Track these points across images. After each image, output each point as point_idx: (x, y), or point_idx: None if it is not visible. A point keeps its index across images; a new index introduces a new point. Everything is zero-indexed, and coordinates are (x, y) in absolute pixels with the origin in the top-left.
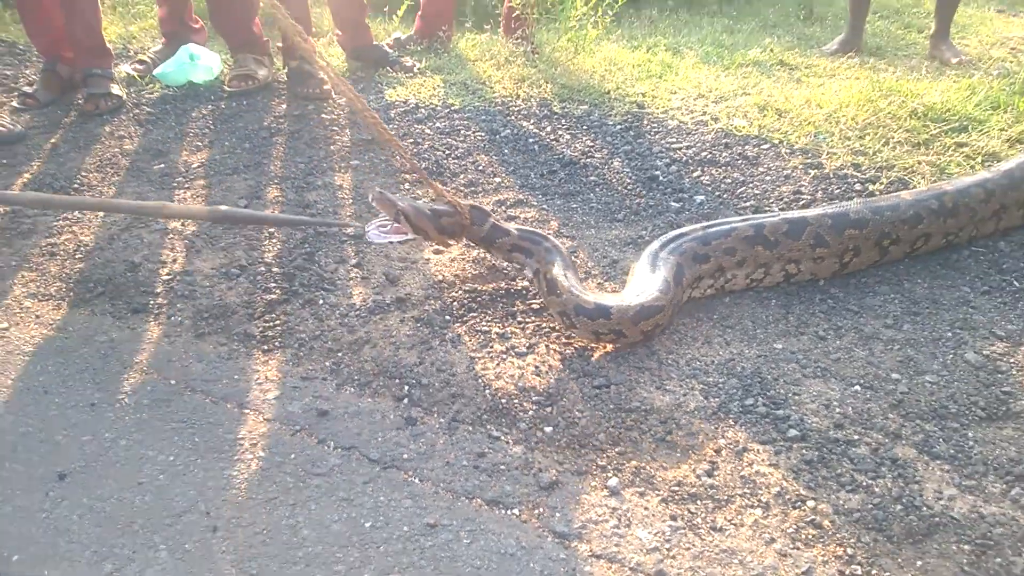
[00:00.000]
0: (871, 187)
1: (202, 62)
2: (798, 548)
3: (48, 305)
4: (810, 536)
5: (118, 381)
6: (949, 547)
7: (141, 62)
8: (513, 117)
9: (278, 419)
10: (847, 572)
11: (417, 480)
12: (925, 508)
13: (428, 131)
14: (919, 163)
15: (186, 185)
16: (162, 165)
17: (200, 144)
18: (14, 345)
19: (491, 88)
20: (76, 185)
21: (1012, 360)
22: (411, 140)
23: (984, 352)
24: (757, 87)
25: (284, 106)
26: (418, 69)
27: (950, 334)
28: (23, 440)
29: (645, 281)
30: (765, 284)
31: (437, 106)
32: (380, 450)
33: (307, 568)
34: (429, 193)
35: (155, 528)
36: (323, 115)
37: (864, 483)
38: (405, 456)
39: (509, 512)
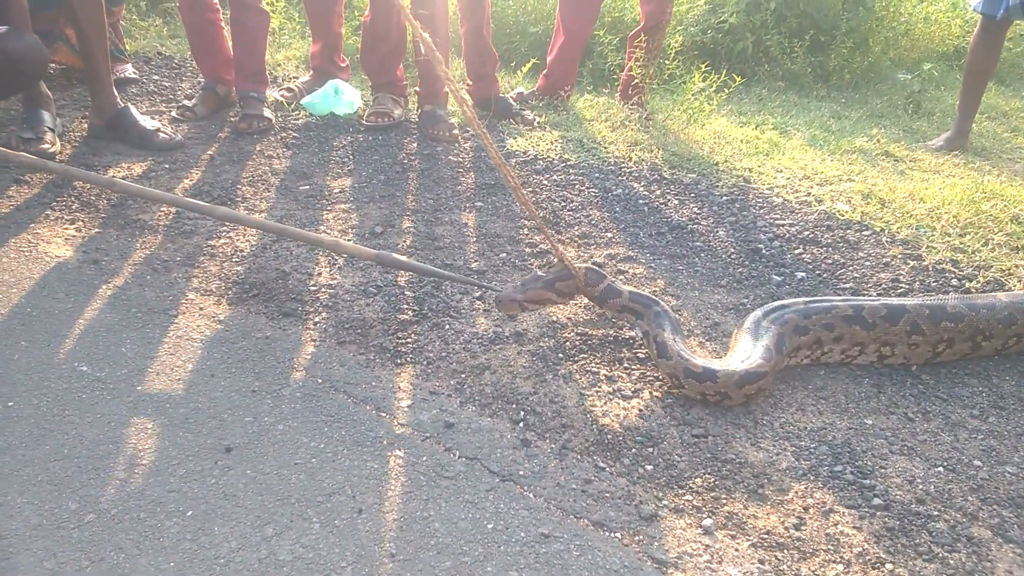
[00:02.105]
0: (968, 284)
1: (345, 97)
2: None
3: (210, 300)
4: None
5: (274, 373)
6: None
7: (289, 89)
8: (624, 178)
9: (410, 425)
10: None
11: (531, 495)
12: None
13: (546, 182)
14: (1017, 266)
15: (328, 207)
16: (307, 187)
17: (340, 171)
18: (183, 332)
19: (605, 148)
20: (232, 197)
21: None
22: (530, 189)
23: None
24: (861, 174)
25: (415, 145)
26: (538, 123)
27: None
28: (193, 414)
29: (749, 348)
30: (859, 362)
31: (554, 159)
32: (499, 464)
33: (438, 555)
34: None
35: (308, 503)
36: (450, 157)
37: (940, 555)
38: (521, 473)
39: (612, 534)
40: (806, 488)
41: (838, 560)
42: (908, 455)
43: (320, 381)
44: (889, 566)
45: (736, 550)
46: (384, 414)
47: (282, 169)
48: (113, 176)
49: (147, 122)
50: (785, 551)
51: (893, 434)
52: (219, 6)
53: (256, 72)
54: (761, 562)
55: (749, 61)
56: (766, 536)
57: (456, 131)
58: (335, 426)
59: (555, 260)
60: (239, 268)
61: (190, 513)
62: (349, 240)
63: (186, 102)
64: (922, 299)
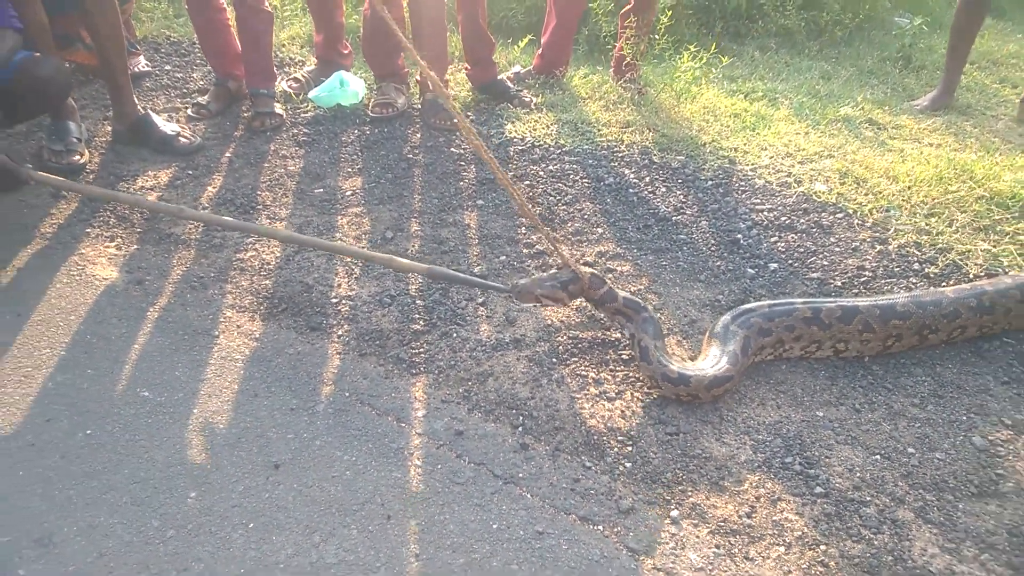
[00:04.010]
0: (928, 268)
1: (350, 87)
2: None
3: (245, 316)
4: (818, 572)
5: (308, 390)
6: None
7: (296, 80)
8: (617, 164)
9: (426, 434)
10: None
11: (529, 495)
12: (910, 562)
13: (542, 173)
14: (976, 249)
15: (342, 211)
16: (321, 190)
17: (351, 170)
18: (226, 352)
19: (599, 131)
20: (254, 204)
21: (1012, 447)
22: (527, 182)
23: (989, 437)
24: (842, 149)
25: (419, 135)
26: (535, 104)
27: (965, 418)
28: (244, 434)
29: (718, 353)
30: (816, 356)
31: (550, 146)
32: (502, 468)
33: (453, 554)
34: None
35: (346, 512)
36: (452, 148)
37: (867, 536)
38: (520, 475)
39: (595, 528)
40: (759, 479)
41: (781, 543)
42: (851, 445)
43: (348, 395)
44: (823, 547)
45: (697, 537)
46: (404, 424)
47: (296, 171)
48: (140, 190)
49: (167, 127)
50: (737, 536)
51: (840, 425)
52: (225, 5)
53: (264, 69)
54: (717, 547)
55: (743, 18)
56: (722, 523)
57: (456, 119)
58: (363, 439)
59: (556, 261)
60: (267, 282)
61: (251, 525)
62: (363, 246)
63: (200, 99)
64: (874, 299)
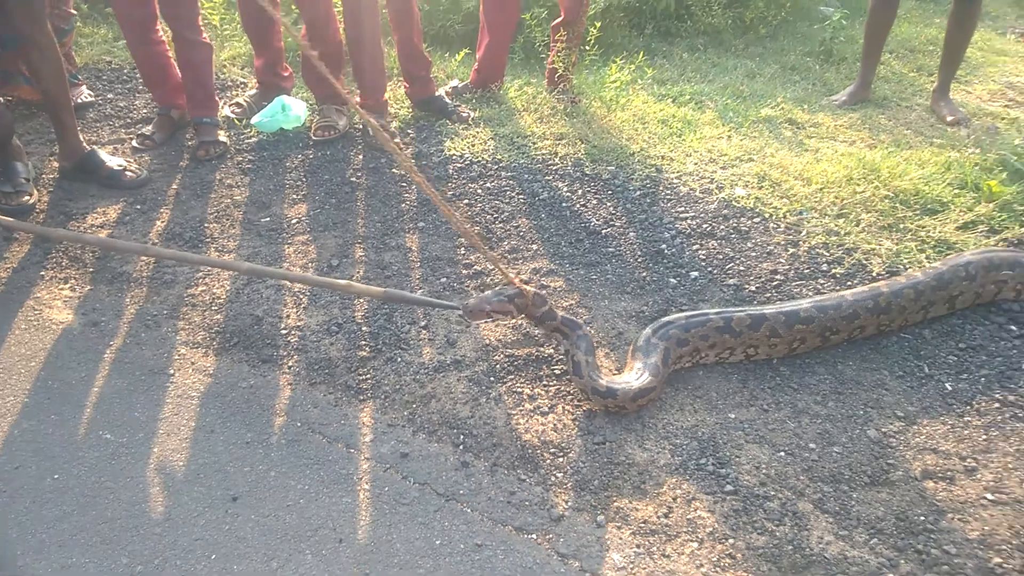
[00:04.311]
0: (835, 269)
1: (292, 112)
2: (717, 571)
3: (198, 352)
4: (727, 564)
5: (262, 422)
6: None
7: (238, 105)
8: (551, 177)
9: (374, 458)
10: None
11: (469, 510)
12: (808, 549)
13: (480, 191)
14: (879, 248)
15: (289, 240)
16: (267, 219)
17: (296, 197)
18: (181, 390)
19: (534, 144)
20: (202, 237)
21: (902, 438)
22: (466, 201)
23: (883, 429)
24: (762, 152)
25: (361, 157)
26: (472, 119)
27: (862, 412)
28: (203, 470)
29: (641, 366)
30: (730, 361)
31: (488, 163)
32: (445, 486)
33: (399, 570)
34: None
35: (301, 538)
36: (394, 169)
37: (770, 528)
38: (461, 492)
39: (529, 536)
40: (676, 481)
41: (694, 539)
42: (759, 443)
43: (299, 425)
44: (731, 541)
45: (620, 539)
46: (353, 450)
47: (242, 200)
48: (90, 228)
49: (113, 161)
50: (656, 535)
51: (750, 425)
52: (163, 38)
53: (206, 99)
54: (637, 547)
55: (672, 18)
56: (643, 524)
57: (398, 139)
58: (315, 467)
59: (495, 281)
60: (219, 316)
61: (214, 556)
62: (311, 273)
63: (144, 130)
64: (779, 306)
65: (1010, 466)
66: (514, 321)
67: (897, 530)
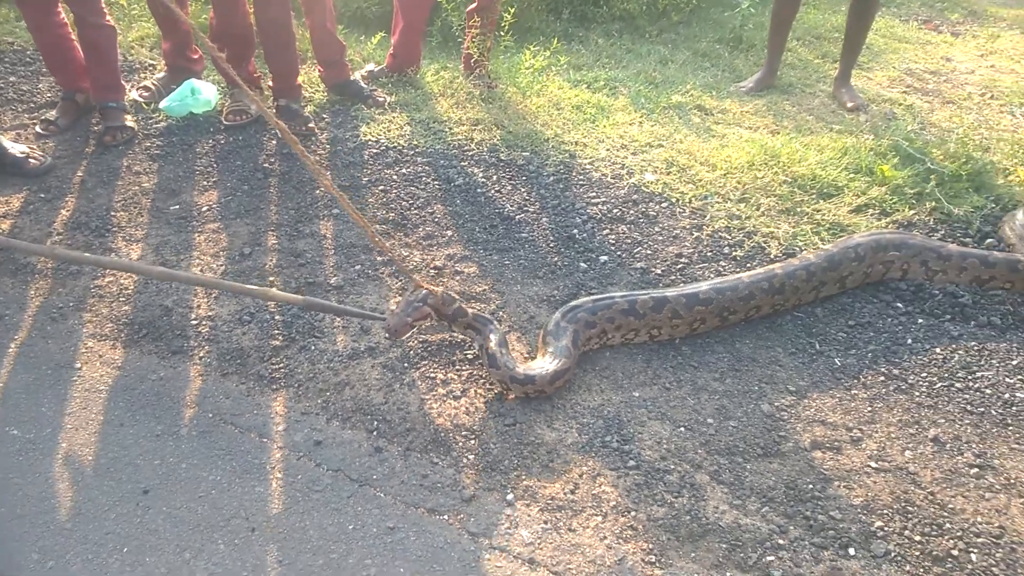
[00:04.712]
0: (735, 252)
1: (202, 95)
2: (620, 543)
3: (106, 345)
4: (629, 535)
5: (172, 414)
6: (713, 544)
7: (146, 89)
8: (467, 163)
9: (287, 447)
10: (646, 559)
11: (382, 495)
12: (704, 518)
13: (395, 177)
14: (778, 230)
15: (199, 229)
16: (177, 206)
17: (206, 184)
18: (90, 384)
19: (450, 129)
20: (109, 226)
21: (793, 411)
22: (381, 187)
23: (776, 404)
24: (671, 137)
25: (273, 142)
26: (388, 104)
27: (756, 387)
28: (112, 464)
29: (554, 349)
30: (635, 342)
31: (404, 147)
32: (358, 472)
33: (312, 556)
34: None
35: (214, 528)
36: (308, 153)
37: (670, 500)
38: (374, 476)
39: (441, 517)
40: (582, 458)
41: (599, 513)
42: (661, 420)
43: (211, 416)
44: (633, 513)
45: (528, 515)
46: (265, 439)
47: (151, 187)
48: (2, 212)
49: (16, 148)
50: (563, 511)
51: (652, 403)
52: (65, 20)
53: (112, 83)
54: (545, 522)
55: (588, 3)
56: (550, 501)
57: (312, 124)
58: (227, 458)
59: (412, 268)
60: (126, 308)
61: (126, 549)
62: (222, 264)
63: (48, 115)
64: (680, 288)
65: (893, 435)
66: (436, 324)
67: (787, 498)
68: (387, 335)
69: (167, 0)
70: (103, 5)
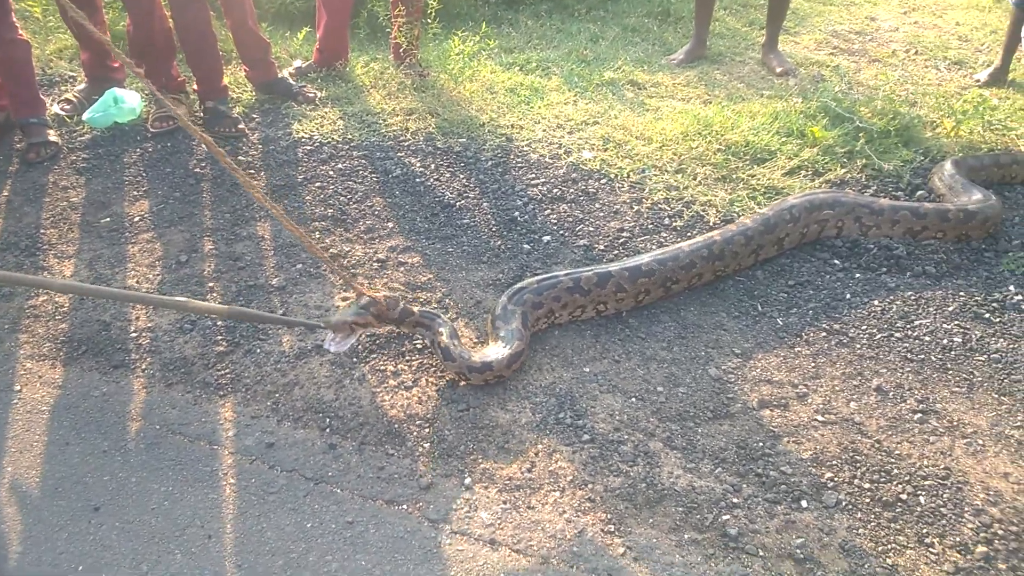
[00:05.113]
0: (676, 222)
1: (126, 104)
2: (579, 516)
3: (46, 365)
4: (587, 507)
5: (118, 430)
6: (670, 509)
7: (68, 101)
8: (403, 154)
9: (239, 452)
10: (605, 529)
11: (339, 490)
12: (660, 485)
13: (331, 172)
14: (715, 198)
15: (132, 240)
16: (108, 218)
17: (137, 194)
18: (31, 405)
19: (384, 121)
20: (39, 243)
21: (740, 373)
22: (318, 184)
23: (723, 367)
24: (606, 114)
25: (203, 147)
26: (319, 100)
27: (703, 353)
28: (60, 484)
29: (506, 332)
30: (583, 319)
31: (338, 142)
32: (313, 470)
33: (272, 557)
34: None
35: (168, 539)
36: (240, 156)
37: (624, 470)
38: (330, 473)
39: (400, 507)
40: (537, 436)
41: (557, 489)
42: (612, 392)
43: (158, 427)
44: (591, 485)
45: (487, 497)
46: (216, 446)
47: (79, 201)
48: None
49: None
50: (521, 490)
51: (603, 377)
52: None
53: (31, 98)
54: (504, 503)
55: None
56: (508, 481)
57: (242, 124)
58: (178, 468)
59: (353, 256)
60: (64, 325)
61: (80, 568)
62: (158, 274)
63: None
64: (622, 262)
65: (837, 388)
66: (378, 330)
67: (738, 458)
68: (327, 342)
69: (79, 18)
70: (14, 20)
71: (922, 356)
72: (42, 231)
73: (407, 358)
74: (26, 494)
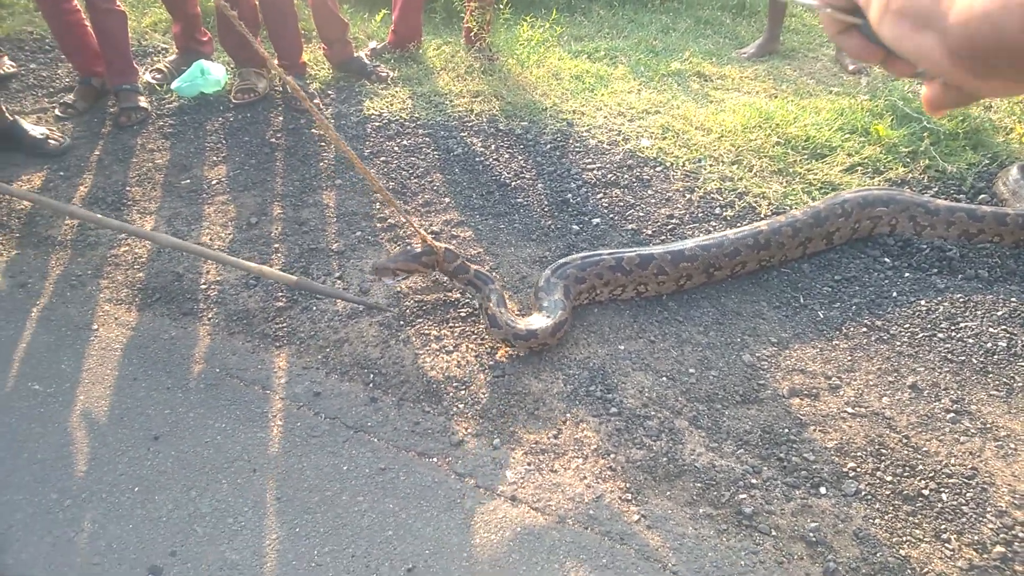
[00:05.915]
0: (727, 212)
1: (211, 76)
2: (598, 482)
3: (122, 308)
4: (607, 475)
5: (181, 370)
6: (688, 484)
7: (159, 71)
8: (466, 134)
9: (288, 398)
10: (623, 496)
11: (376, 439)
12: (681, 460)
13: (396, 148)
14: (769, 190)
15: (209, 200)
16: (188, 180)
17: (216, 159)
18: (106, 343)
19: (451, 102)
20: (124, 200)
21: (774, 361)
22: (383, 158)
23: (757, 354)
24: (669, 104)
25: (281, 118)
26: (391, 79)
27: (739, 339)
28: (126, 414)
29: (549, 303)
30: (622, 298)
31: (405, 120)
32: (353, 419)
33: (309, 493)
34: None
35: (218, 470)
36: (313, 129)
37: (648, 443)
38: (369, 424)
39: (430, 460)
40: (567, 406)
41: (580, 456)
42: (644, 371)
43: (218, 371)
44: (613, 455)
45: (513, 458)
46: (268, 391)
47: (163, 163)
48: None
49: (36, 130)
50: (546, 454)
51: (637, 355)
52: (78, 6)
53: (125, 66)
54: (528, 464)
55: None
56: (535, 445)
57: (317, 100)
58: (232, 408)
59: (408, 234)
60: (141, 274)
61: (136, 489)
62: (230, 234)
63: (67, 99)
64: (666, 246)
65: (871, 383)
66: (422, 278)
67: (762, 441)
68: (371, 273)
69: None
70: None
71: (963, 358)
72: (128, 188)
73: (450, 324)
74: (95, 420)
